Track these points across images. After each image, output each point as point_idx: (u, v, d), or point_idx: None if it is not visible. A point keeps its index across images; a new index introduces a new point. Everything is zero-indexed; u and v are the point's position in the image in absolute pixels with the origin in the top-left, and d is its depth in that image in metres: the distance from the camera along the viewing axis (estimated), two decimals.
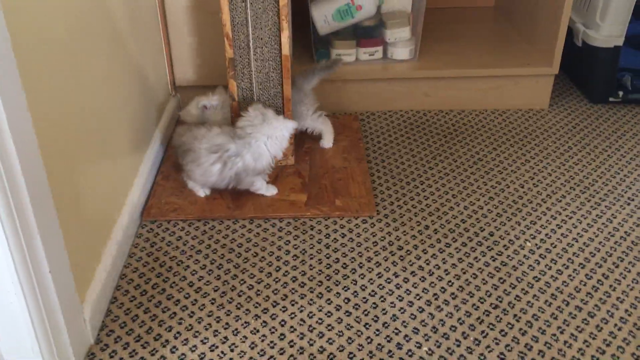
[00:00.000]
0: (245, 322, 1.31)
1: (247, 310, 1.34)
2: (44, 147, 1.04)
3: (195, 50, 1.96)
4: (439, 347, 1.25)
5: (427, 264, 1.46)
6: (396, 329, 1.29)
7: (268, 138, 1.55)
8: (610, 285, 1.40)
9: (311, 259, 1.48)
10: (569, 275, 1.43)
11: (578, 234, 1.56)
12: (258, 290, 1.39)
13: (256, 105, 1.59)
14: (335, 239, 1.54)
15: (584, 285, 1.40)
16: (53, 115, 1.13)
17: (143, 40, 1.73)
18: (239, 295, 1.38)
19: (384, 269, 1.44)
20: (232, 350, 1.24)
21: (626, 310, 1.33)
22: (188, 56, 1.97)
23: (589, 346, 1.25)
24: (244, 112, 1.57)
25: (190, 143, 1.56)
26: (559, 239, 1.54)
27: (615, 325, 1.30)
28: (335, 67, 1.85)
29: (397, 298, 1.37)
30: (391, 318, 1.31)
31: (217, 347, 1.25)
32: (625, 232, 1.56)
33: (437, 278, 1.42)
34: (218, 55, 1.84)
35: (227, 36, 1.57)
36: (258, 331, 1.29)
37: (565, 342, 1.26)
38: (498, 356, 1.23)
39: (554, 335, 1.27)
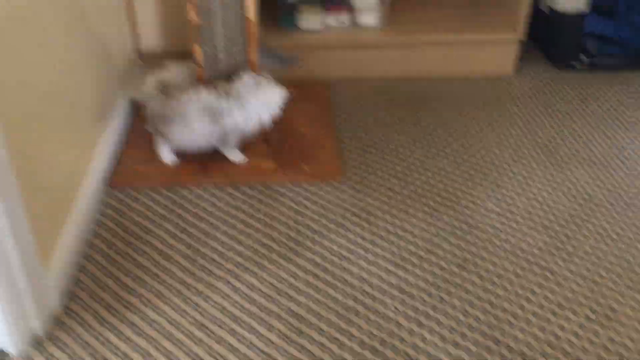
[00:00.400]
0: (216, 288, 1.32)
1: (217, 276, 1.35)
2: (2, 112, 1.02)
3: (160, 16, 1.93)
4: (405, 305, 1.28)
5: (395, 227, 1.48)
6: (364, 290, 1.31)
7: (261, 104, 1.57)
8: (572, 245, 1.44)
9: (280, 224, 1.49)
10: (533, 236, 1.46)
11: (542, 195, 1.59)
12: (227, 256, 1.40)
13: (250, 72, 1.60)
14: (303, 204, 1.55)
15: (547, 245, 1.44)
16: (11, 80, 1.10)
17: (106, 6, 1.69)
18: (209, 262, 1.38)
19: (352, 233, 1.46)
20: (202, 315, 1.25)
21: (587, 269, 1.38)
22: (153, 22, 1.94)
23: (550, 302, 1.29)
24: (239, 76, 1.58)
25: (176, 110, 1.55)
26: (523, 200, 1.58)
27: (576, 282, 1.34)
28: (292, 63, 1.87)
29: (364, 260, 1.39)
30: (359, 280, 1.34)
31: (187, 312, 1.26)
32: (587, 193, 1.60)
33: (404, 240, 1.44)
34: (183, 21, 1.80)
35: (191, 1, 1.54)
36: (228, 296, 1.30)
37: (527, 298, 1.30)
38: (462, 313, 1.26)
39: (517, 292, 1.31)
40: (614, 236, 1.46)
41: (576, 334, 1.22)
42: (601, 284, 1.34)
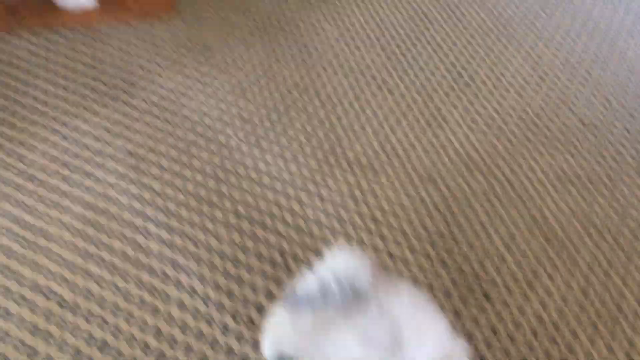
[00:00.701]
0: (41, 137, 1.21)
1: (41, 125, 1.24)
2: None
3: None
4: (247, 133, 1.26)
5: (233, 59, 1.42)
6: (204, 123, 1.27)
7: None
8: (408, 62, 1.47)
9: (108, 66, 1.37)
10: (372, 58, 1.47)
11: (379, 15, 1.59)
12: (51, 104, 1.28)
13: None
14: (132, 43, 1.43)
15: (384, 64, 1.46)
16: None
17: None
18: (30, 111, 1.26)
19: (188, 69, 1.39)
20: (29, 166, 1.16)
21: (422, 85, 1.42)
22: None
23: (387, 120, 1.33)
24: None
25: None
26: (361, 22, 1.56)
27: (411, 96, 1.39)
28: None
29: (203, 94, 1.33)
30: (198, 114, 1.29)
31: (11, 165, 1.16)
32: (422, 10, 1.62)
33: (243, 71, 1.40)
34: None
35: None
36: (56, 144, 1.20)
37: (367, 117, 1.33)
38: (304, 135, 1.27)
39: (356, 111, 1.34)
40: (447, 50, 1.51)
41: (412, 144, 1.28)
42: (435, 98, 1.39)
